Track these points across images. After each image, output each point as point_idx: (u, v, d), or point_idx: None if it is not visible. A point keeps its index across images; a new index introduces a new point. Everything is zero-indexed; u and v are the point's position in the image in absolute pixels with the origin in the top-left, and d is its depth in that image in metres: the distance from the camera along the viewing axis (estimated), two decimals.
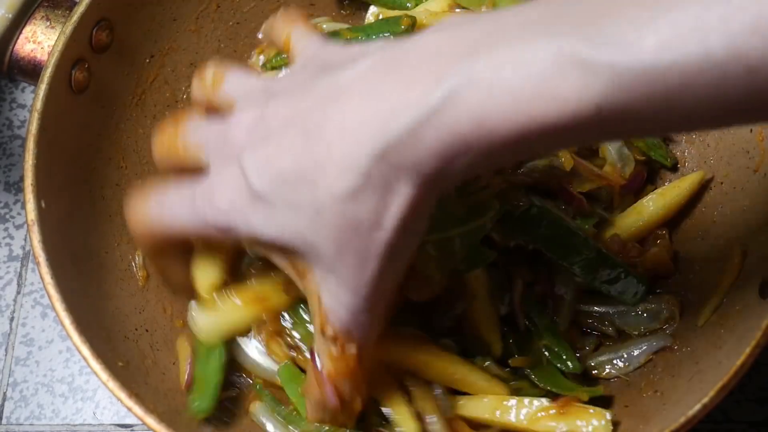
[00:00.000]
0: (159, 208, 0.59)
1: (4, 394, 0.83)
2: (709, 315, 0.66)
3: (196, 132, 0.58)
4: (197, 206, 0.54)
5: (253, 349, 0.69)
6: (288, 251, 0.52)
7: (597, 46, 0.39)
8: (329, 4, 0.84)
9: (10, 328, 0.86)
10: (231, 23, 0.81)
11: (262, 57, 0.80)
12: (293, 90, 0.51)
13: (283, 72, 0.73)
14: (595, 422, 0.62)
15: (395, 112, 0.44)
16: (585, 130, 0.41)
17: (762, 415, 0.78)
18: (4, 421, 0.82)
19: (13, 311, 0.87)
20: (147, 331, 0.70)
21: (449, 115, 0.42)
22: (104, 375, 0.60)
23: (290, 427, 0.68)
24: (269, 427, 0.68)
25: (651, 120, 0.40)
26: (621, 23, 0.39)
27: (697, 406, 0.56)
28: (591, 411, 0.63)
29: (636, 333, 0.70)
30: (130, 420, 0.82)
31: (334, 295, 0.52)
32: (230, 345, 0.68)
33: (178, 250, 0.66)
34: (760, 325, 0.57)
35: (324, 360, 0.54)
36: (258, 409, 0.69)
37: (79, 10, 0.68)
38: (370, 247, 0.48)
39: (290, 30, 0.62)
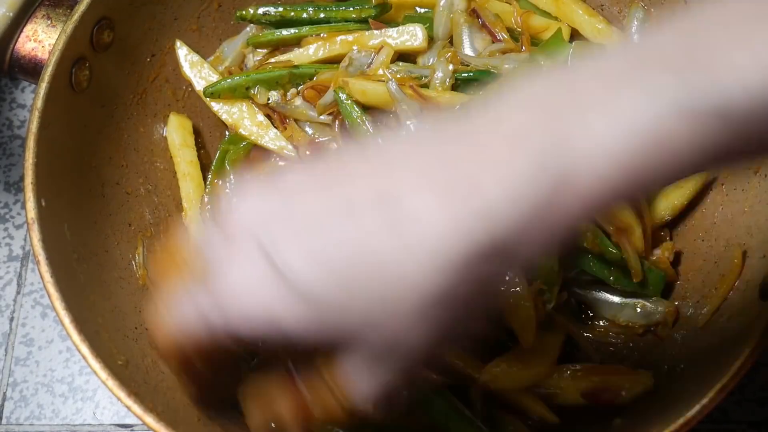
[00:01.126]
0: (171, 316, 0.50)
1: (4, 394, 0.83)
2: (709, 316, 0.66)
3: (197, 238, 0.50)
4: (207, 303, 0.47)
5: None
6: (326, 344, 0.47)
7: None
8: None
9: (10, 328, 0.86)
10: (232, 22, 0.81)
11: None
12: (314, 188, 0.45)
13: None
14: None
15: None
16: None
17: (762, 415, 0.78)
18: (4, 421, 0.82)
19: (13, 311, 0.87)
20: (147, 329, 0.70)
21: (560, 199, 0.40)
22: (103, 374, 0.60)
23: None
24: None
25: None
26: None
27: (697, 407, 0.56)
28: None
29: (624, 324, 0.72)
30: (130, 420, 0.82)
31: (365, 376, 0.48)
32: None
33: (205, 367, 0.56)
34: (760, 326, 0.57)
35: (313, 398, 0.51)
36: None
37: (80, 8, 0.68)
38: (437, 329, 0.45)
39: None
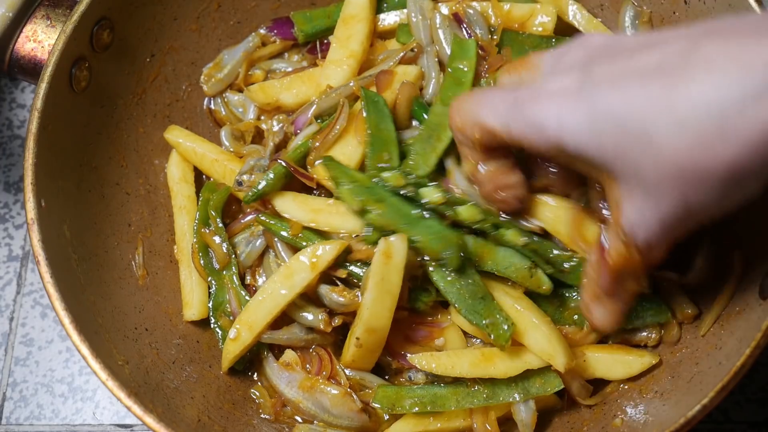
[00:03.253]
0: (477, 102, 0.59)
1: (4, 394, 0.83)
2: (711, 324, 0.66)
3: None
4: (516, 100, 0.56)
5: None
6: (589, 163, 0.53)
7: None
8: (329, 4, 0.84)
9: (10, 328, 0.86)
10: (232, 22, 0.81)
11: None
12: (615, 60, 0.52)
13: None
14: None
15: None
16: None
17: (762, 415, 0.78)
18: (3, 421, 0.82)
19: (13, 311, 0.87)
20: (147, 330, 0.70)
21: None
22: (103, 374, 0.60)
23: None
24: None
25: None
26: None
27: (697, 407, 0.56)
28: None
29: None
30: (129, 420, 0.82)
31: (639, 213, 0.53)
32: None
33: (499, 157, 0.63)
34: (760, 326, 0.57)
35: (612, 251, 0.57)
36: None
37: (80, 8, 0.68)
38: (702, 197, 0.49)
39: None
